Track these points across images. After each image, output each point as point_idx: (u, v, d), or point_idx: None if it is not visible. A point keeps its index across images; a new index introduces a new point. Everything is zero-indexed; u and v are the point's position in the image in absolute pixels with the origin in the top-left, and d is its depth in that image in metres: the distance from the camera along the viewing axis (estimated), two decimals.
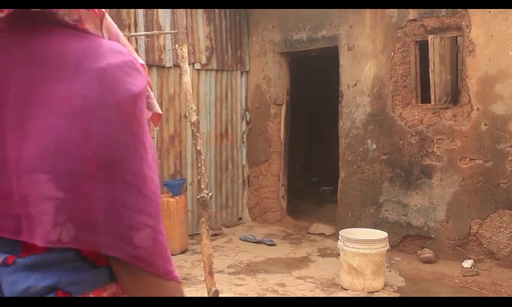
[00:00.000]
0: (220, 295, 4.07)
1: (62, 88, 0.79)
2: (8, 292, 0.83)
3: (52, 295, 0.84)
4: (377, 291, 4.69)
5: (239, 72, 7.37)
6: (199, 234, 5.40)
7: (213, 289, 3.97)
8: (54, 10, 0.83)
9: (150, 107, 0.93)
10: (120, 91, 0.81)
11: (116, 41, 0.92)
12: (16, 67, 0.81)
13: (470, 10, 5.26)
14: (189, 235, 6.41)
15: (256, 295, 4.64)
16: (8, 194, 0.81)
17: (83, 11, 0.86)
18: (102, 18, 0.90)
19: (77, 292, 0.86)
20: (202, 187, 3.97)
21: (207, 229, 3.95)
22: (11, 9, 0.81)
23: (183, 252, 6.06)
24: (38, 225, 0.79)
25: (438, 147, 5.55)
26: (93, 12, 0.88)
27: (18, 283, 0.83)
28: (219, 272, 5.25)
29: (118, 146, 0.80)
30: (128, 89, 0.82)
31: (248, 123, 7.48)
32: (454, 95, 5.53)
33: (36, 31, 0.84)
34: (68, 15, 0.85)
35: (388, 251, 4.78)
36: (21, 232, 0.81)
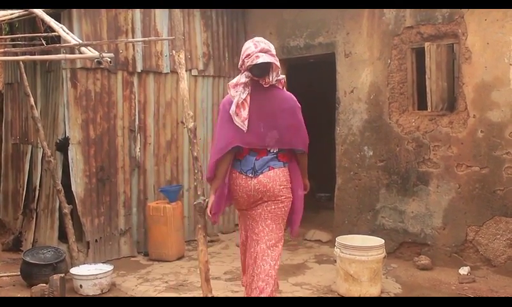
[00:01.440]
0: None
1: (286, 104, 3.73)
2: (257, 168, 3.67)
3: (267, 168, 3.68)
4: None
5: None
6: (195, 240, 5.39)
7: (209, 295, 3.96)
8: (276, 81, 3.71)
9: None
10: (297, 103, 3.78)
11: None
12: (267, 99, 3.70)
13: (466, 18, 5.28)
14: (186, 241, 6.40)
15: None
16: (263, 137, 3.65)
17: (281, 83, 3.77)
18: (283, 85, 3.80)
19: (275, 167, 3.69)
20: (199, 193, 3.97)
21: (204, 236, 3.94)
22: (270, 83, 3.68)
23: (179, 258, 6.05)
24: (270, 144, 3.68)
25: (434, 154, 5.56)
26: (282, 85, 3.79)
27: (259, 164, 3.67)
28: (216, 278, 5.24)
29: (297, 117, 3.76)
30: (298, 104, 3.79)
31: None
32: (451, 102, 5.54)
33: (271, 88, 3.71)
34: (276, 83, 3.72)
35: (384, 257, 4.77)
36: (265, 146, 3.68)
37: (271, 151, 3.72)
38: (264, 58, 3.61)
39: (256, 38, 3.78)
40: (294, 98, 3.84)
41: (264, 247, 3.72)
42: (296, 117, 3.76)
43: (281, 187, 3.71)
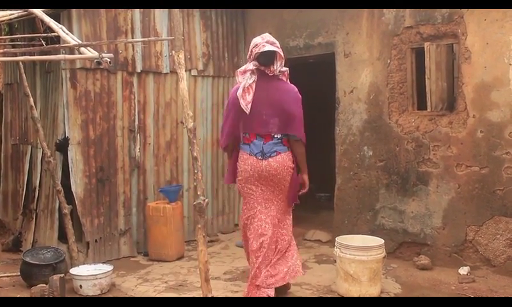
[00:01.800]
0: None
1: (288, 95, 4.39)
2: (266, 151, 4.34)
3: (274, 153, 4.34)
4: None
5: (235, 79, 7.36)
6: (195, 240, 5.40)
7: (209, 295, 3.96)
8: (279, 72, 4.37)
9: None
10: (298, 95, 4.43)
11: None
12: (271, 89, 4.36)
13: (465, 18, 5.28)
14: (186, 242, 6.40)
15: None
16: (265, 123, 4.32)
17: (285, 75, 4.46)
18: (287, 77, 4.50)
19: (281, 152, 4.37)
20: (198, 193, 3.97)
21: (203, 236, 3.94)
22: (274, 72, 4.34)
23: (179, 258, 6.05)
24: (273, 130, 4.35)
25: (434, 154, 5.56)
26: (286, 77, 4.48)
27: (267, 148, 4.34)
28: (216, 278, 5.24)
29: (297, 108, 4.38)
30: (299, 95, 4.44)
31: None
32: (450, 102, 5.55)
33: (274, 79, 4.38)
34: (280, 75, 4.40)
35: (384, 257, 4.78)
36: (269, 132, 4.35)
37: (275, 136, 4.39)
38: (269, 47, 4.25)
39: (263, 34, 4.42)
40: (296, 89, 4.46)
41: (279, 217, 4.54)
42: (297, 107, 4.40)
43: (288, 169, 4.43)
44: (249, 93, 4.28)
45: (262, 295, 4.33)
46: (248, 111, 4.27)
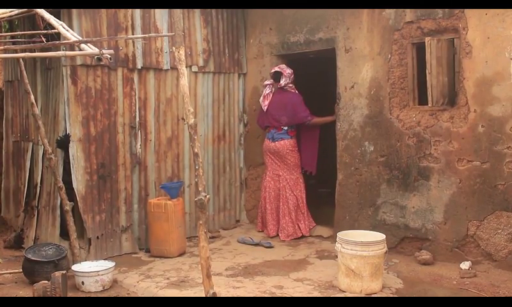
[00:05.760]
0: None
1: (292, 100, 6.70)
2: (275, 137, 6.77)
3: (280, 139, 6.74)
4: (375, 294, 4.69)
5: (236, 74, 7.37)
6: (197, 236, 5.39)
7: (211, 291, 3.97)
8: (285, 85, 6.76)
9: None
10: (299, 99, 6.74)
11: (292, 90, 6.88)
12: (281, 97, 6.76)
13: (466, 12, 5.27)
14: (187, 238, 6.41)
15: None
16: (278, 120, 6.71)
17: (293, 88, 6.80)
18: (294, 89, 6.81)
19: (284, 138, 6.74)
20: (200, 189, 3.97)
21: (205, 232, 3.95)
22: (281, 85, 6.78)
23: (181, 254, 6.05)
24: (282, 124, 6.71)
25: (435, 149, 5.56)
26: (293, 89, 6.80)
27: (276, 136, 6.75)
28: (217, 274, 5.24)
29: (299, 106, 6.68)
30: (300, 98, 6.75)
31: (245, 125, 7.47)
32: (451, 97, 5.54)
33: (284, 90, 6.75)
34: (288, 88, 6.74)
35: (386, 252, 4.78)
36: (280, 125, 6.72)
37: (283, 128, 6.70)
38: (275, 68, 6.75)
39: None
40: (298, 94, 6.75)
41: (284, 184, 6.74)
42: (298, 106, 6.66)
43: (288, 150, 6.70)
44: (267, 99, 6.79)
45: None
46: (265, 110, 6.77)
